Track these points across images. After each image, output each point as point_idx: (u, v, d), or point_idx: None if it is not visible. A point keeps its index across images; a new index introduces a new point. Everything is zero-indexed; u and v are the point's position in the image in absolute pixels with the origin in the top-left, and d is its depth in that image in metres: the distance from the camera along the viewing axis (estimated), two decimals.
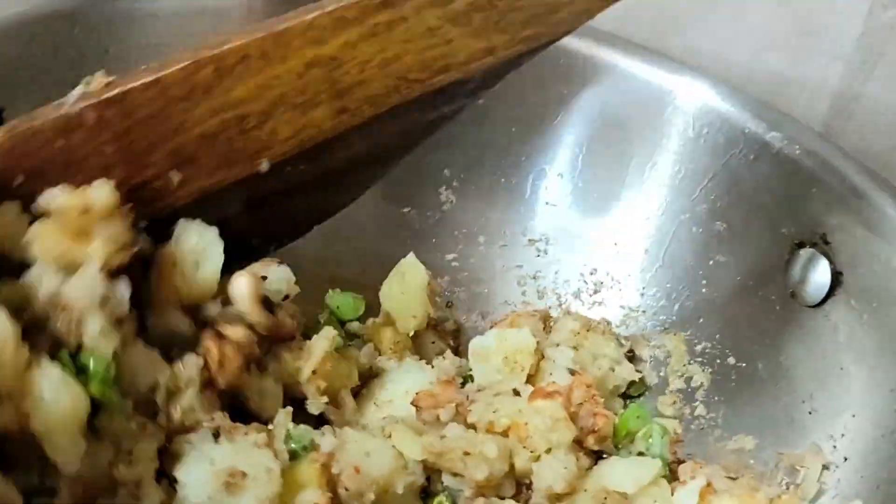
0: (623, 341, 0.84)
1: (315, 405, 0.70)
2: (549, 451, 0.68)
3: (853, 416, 0.70)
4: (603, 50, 0.86)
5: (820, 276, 0.75)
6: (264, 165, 0.65)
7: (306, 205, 0.72)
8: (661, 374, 0.83)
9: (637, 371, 0.82)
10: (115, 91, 0.60)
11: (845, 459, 0.69)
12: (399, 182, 0.88)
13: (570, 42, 0.84)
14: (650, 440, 0.74)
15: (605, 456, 0.73)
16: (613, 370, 0.80)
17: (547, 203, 0.90)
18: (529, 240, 0.90)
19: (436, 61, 0.65)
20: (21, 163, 0.58)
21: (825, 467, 0.70)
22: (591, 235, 0.88)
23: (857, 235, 0.74)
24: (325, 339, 0.70)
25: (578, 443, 0.71)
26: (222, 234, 0.64)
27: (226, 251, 0.64)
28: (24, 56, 0.68)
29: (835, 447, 0.70)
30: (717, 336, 0.81)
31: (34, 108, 0.67)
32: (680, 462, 0.74)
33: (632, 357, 0.84)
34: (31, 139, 0.59)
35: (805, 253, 0.76)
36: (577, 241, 0.89)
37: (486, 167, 0.90)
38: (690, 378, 0.81)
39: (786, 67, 0.92)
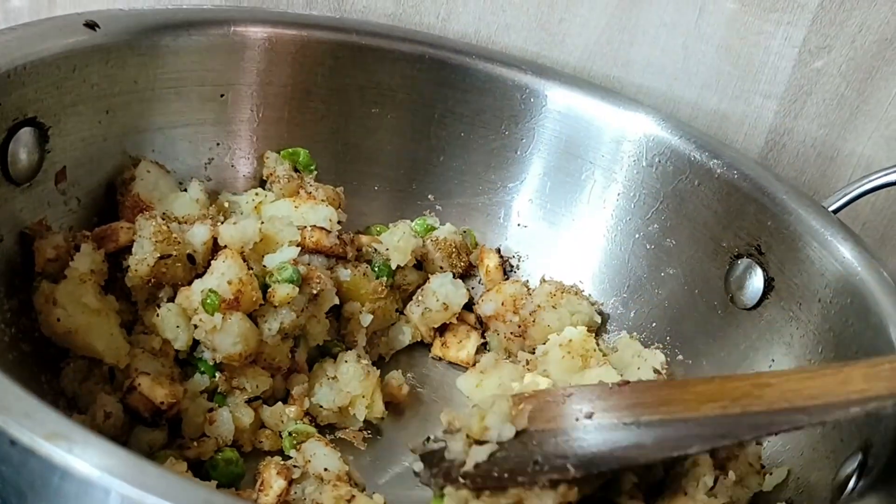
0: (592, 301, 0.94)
1: None
2: None
3: None
4: (567, 91, 0.96)
5: (755, 282, 0.84)
6: None
7: None
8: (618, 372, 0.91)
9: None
10: None
11: (776, 434, 0.77)
12: (389, 205, 0.98)
13: (539, 84, 0.96)
14: None
15: None
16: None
17: (518, 224, 1.00)
18: (503, 258, 1.00)
19: None
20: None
21: (759, 443, 0.78)
22: (558, 253, 0.98)
23: (787, 246, 0.82)
24: None
25: None
26: None
27: None
28: (68, 83, 0.75)
29: None
30: (668, 337, 0.90)
31: (75, 127, 0.78)
32: None
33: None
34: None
35: (742, 263, 0.85)
36: (545, 259, 0.98)
37: (466, 193, 1.00)
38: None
39: (726, 105, 1.01)
